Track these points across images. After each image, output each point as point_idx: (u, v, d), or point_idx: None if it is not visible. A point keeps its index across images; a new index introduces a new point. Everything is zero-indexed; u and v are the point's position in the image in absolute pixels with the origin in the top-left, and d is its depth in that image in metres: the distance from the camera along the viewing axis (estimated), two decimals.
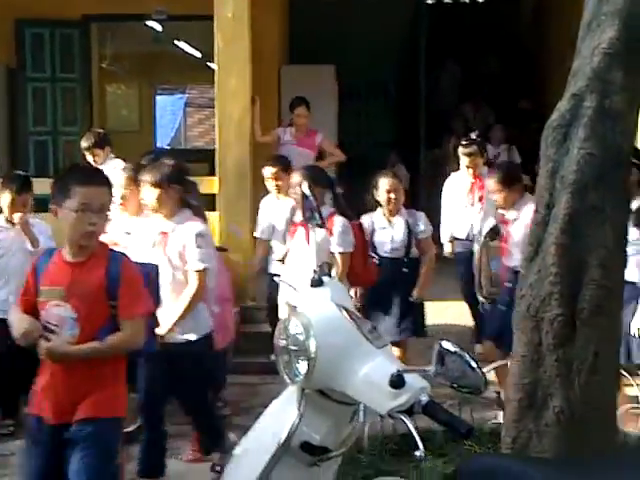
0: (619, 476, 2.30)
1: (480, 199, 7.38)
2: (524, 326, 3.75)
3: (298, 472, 2.49)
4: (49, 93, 10.93)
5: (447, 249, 7.51)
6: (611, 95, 3.82)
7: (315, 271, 2.82)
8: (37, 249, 5.69)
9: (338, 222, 5.60)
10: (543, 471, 2.36)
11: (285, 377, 2.49)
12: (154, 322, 3.95)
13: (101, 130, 8.52)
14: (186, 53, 14.49)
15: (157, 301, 4.02)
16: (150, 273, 3.94)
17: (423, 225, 6.39)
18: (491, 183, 6.28)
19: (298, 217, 5.72)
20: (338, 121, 11.23)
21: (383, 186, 6.30)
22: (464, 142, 7.70)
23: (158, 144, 16.05)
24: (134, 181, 5.31)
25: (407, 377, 2.29)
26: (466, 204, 7.48)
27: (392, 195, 6.27)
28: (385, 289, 6.23)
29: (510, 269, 6.05)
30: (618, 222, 3.79)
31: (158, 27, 12.29)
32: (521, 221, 6.02)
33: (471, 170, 7.42)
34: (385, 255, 6.34)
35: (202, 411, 5.13)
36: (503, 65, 14.26)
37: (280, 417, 2.52)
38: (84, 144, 7.63)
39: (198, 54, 14.51)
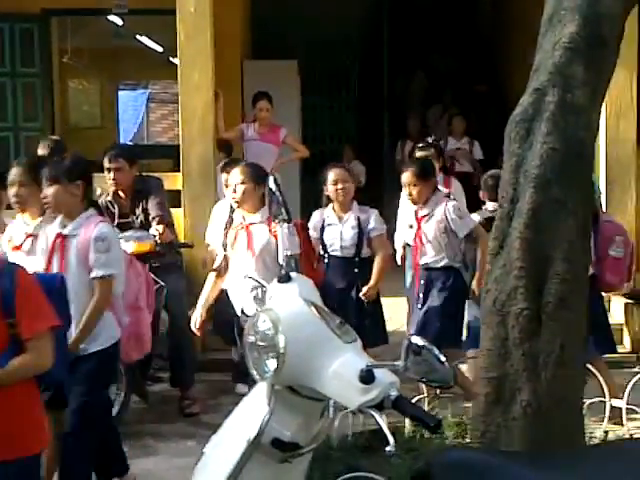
0: (586, 471, 2.33)
1: None
2: (490, 320, 3.78)
3: (269, 469, 2.48)
4: (9, 88, 10.81)
5: (398, 256, 6.89)
6: (573, 90, 3.86)
7: (282, 266, 2.82)
8: None
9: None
10: (515, 465, 2.38)
11: (254, 374, 2.48)
12: (64, 339, 3.59)
13: (56, 137, 8.22)
14: (148, 48, 14.40)
15: (66, 316, 3.72)
16: (55, 285, 3.64)
17: (375, 222, 6.07)
18: (406, 175, 6.00)
19: (237, 220, 5.44)
20: (301, 116, 11.24)
21: (330, 178, 6.08)
22: (420, 145, 7.46)
23: (120, 140, 15.93)
24: (34, 177, 4.74)
25: (377, 372, 2.29)
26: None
27: (339, 186, 6.01)
28: (335, 291, 5.93)
29: (423, 267, 5.99)
30: (581, 215, 3.83)
31: (119, 21, 12.20)
32: (434, 218, 5.92)
33: None
34: (334, 254, 6.09)
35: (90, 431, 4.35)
36: (462, 59, 14.31)
37: (250, 414, 2.51)
38: (41, 152, 7.00)
39: (160, 49, 14.44)
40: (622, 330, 7.70)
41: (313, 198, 10.44)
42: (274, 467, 2.48)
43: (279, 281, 2.74)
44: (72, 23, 12.25)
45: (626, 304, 7.80)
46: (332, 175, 6.08)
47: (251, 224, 5.30)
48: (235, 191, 5.33)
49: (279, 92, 9.29)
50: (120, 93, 17.33)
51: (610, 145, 7.82)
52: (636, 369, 6.91)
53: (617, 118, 7.79)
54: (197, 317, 5.51)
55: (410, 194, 6.00)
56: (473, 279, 5.97)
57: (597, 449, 3.10)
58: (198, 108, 7.98)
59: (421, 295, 5.96)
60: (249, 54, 11.78)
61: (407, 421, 4.56)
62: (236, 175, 5.43)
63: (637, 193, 7.94)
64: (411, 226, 6.15)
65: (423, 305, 5.93)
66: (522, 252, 3.71)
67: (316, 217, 6.22)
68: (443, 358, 2.27)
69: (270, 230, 5.09)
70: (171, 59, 13.73)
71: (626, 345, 7.66)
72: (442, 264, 5.93)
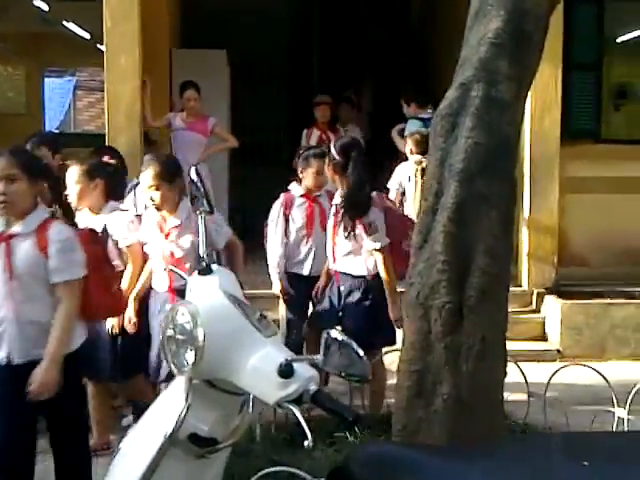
0: (504, 463, 2.34)
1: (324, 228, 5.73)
2: (413, 314, 3.78)
3: (186, 464, 2.45)
4: None
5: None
6: (497, 85, 3.89)
7: (203, 258, 2.78)
8: None
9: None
10: (434, 459, 2.38)
11: (172, 367, 2.44)
12: None
13: None
14: (75, 34, 14.14)
15: None
16: None
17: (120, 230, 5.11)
18: (147, 175, 5.00)
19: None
20: (231, 106, 11.15)
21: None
22: (312, 151, 6.01)
23: (47, 128, 15.64)
24: None
25: (296, 366, 2.27)
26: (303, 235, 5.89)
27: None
28: None
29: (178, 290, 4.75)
30: (504, 210, 3.86)
31: (45, 7, 11.96)
32: (190, 229, 4.95)
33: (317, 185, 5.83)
34: None
35: None
36: (391, 54, 14.31)
37: (167, 409, 2.47)
38: None
39: (87, 35, 14.19)
40: (544, 324, 7.83)
41: (241, 189, 10.37)
42: (191, 462, 2.45)
43: (199, 273, 2.70)
44: None
45: (548, 298, 7.93)
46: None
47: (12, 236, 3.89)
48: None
49: (208, 81, 9.19)
50: (46, 80, 17.00)
51: (534, 141, 7.93)
52: (557, 362, 7.03)
53: (542, 113, 7.89)
54: None
55: (152, 200, 5.01)
56: None
57: (515, 441, 3.13)
58: (125, 96, 7.85)
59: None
60: (178, 42, 11.64)
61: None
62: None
63: (560, 189, 8.06)
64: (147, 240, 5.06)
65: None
66: (446, 246, 3.72)
67: None
68: (361, 352, 2.26)
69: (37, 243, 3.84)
70: (98, 46, 13.50)
71: (548, 339, 7.78)
72: None
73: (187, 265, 4.83)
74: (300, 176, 5.81)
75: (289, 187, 5.91)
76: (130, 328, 5.05)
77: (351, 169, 5.20)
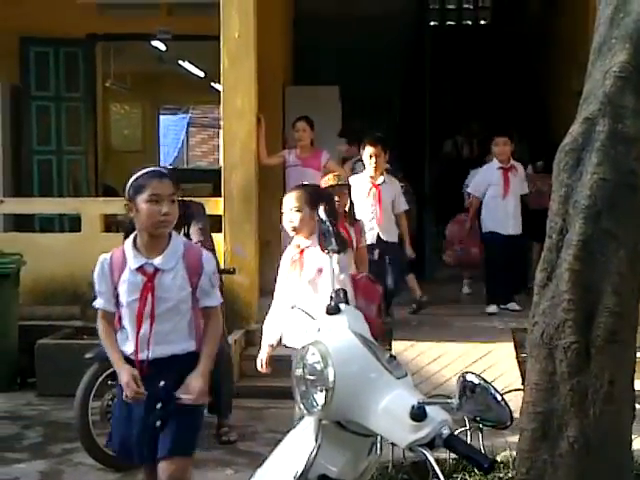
0: None
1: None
2: (537, 354, 3.70)
3: None
4: (53, 112, 10.91)
5: None
6: (624, 119, 3.79)
7: (332, 298, 2.78)
8: None
9: None
10: None
11: (302, 408, 2.44)
12: None
13: None
14: (190, 73, 14.53)
15: None
16: None
17: None
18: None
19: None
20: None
21: None
22: None
23: (161, 163, 16.06)
24: None
25: (428, 409, 2.24)
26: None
27: None
28: None
29: None
30: (632, 247, 3.75)
31: (162, 47, 12.32)
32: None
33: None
34: None
35: None
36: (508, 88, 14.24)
37: (297, 448, 2.47)
38: None
39: (201, 74, 14.55)
40: None
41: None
42: None
43: (328, 313, 2.70)
44: (116, 47, 12.38)
45: None
46: None
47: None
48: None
49: (321, 117, 9.27)
50: (161, 117, 17.49)
51: None
52: None
53: None
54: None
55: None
56: None
57: None
58: (240, 133, 8.00)
59: None
60: (291, 80, 11.80)
61: (450, 455, 4.48)
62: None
63: None
64: None
65: None
66: (571, 284, 3.64)
67: None
68: (499, 397, 2.22)
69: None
70: (213, 84, 13.81)
71: None
72: None
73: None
74: None
75: None
76: None
77: None
